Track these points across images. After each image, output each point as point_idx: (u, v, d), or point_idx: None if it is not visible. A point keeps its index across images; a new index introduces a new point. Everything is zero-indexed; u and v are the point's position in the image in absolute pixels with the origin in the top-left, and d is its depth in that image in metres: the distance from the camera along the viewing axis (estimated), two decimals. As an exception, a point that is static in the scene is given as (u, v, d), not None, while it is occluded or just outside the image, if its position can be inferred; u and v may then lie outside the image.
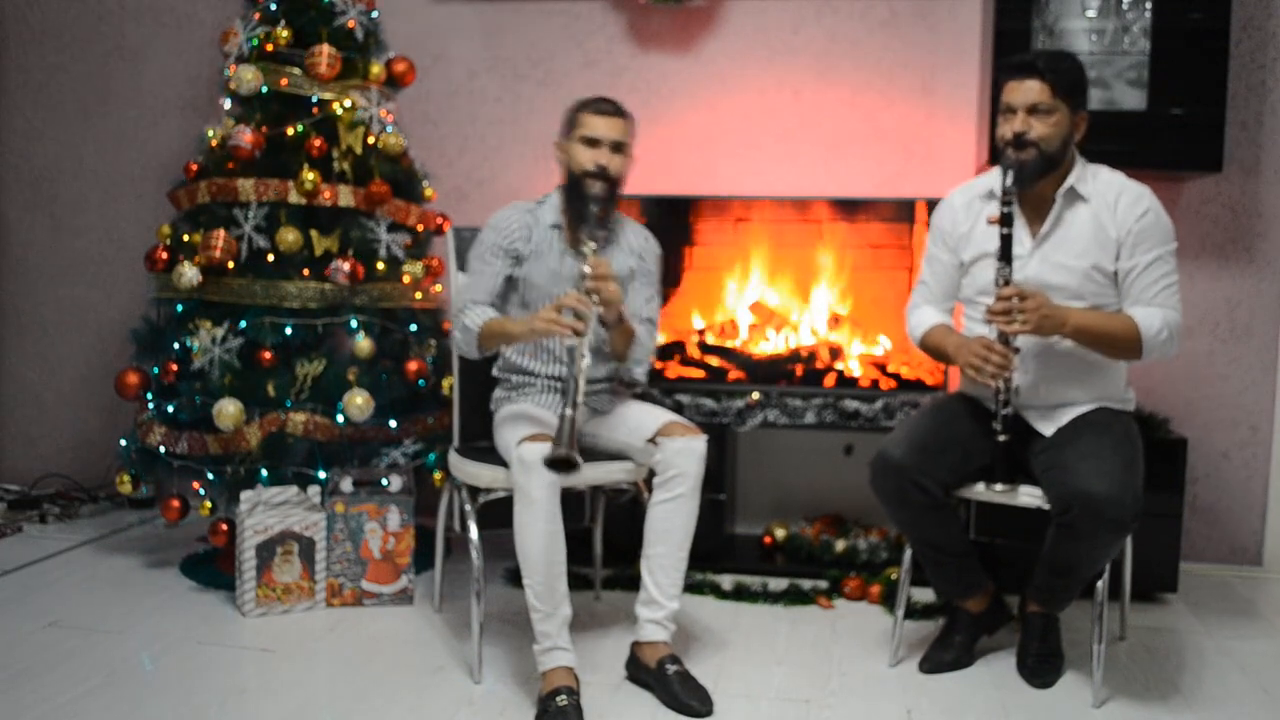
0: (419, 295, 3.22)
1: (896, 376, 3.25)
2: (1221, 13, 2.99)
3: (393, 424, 3.05)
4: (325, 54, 3.01)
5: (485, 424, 2.69)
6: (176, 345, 3.04)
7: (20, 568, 3.15)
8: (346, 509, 2.87)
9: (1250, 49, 3.25)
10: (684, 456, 2.40)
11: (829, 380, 3.25)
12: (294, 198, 3.00)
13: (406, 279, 3.15)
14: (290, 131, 3.03)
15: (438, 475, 3.13)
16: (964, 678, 2.49)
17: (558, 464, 2.19)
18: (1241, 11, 3.20)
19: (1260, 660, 2.63)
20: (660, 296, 2.73)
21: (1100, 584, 2.34)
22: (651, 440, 2.45)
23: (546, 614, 2.28)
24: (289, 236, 2.98)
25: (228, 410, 2.87)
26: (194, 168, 3.15)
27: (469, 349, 2.53)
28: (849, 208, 3.35)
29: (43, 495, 3.82)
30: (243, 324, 2.98)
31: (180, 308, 3.07)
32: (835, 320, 3.38)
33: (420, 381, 3.14)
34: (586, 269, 2.35)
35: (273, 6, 3.07)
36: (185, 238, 3.09)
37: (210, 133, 3.12)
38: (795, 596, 2.98)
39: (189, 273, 2.96)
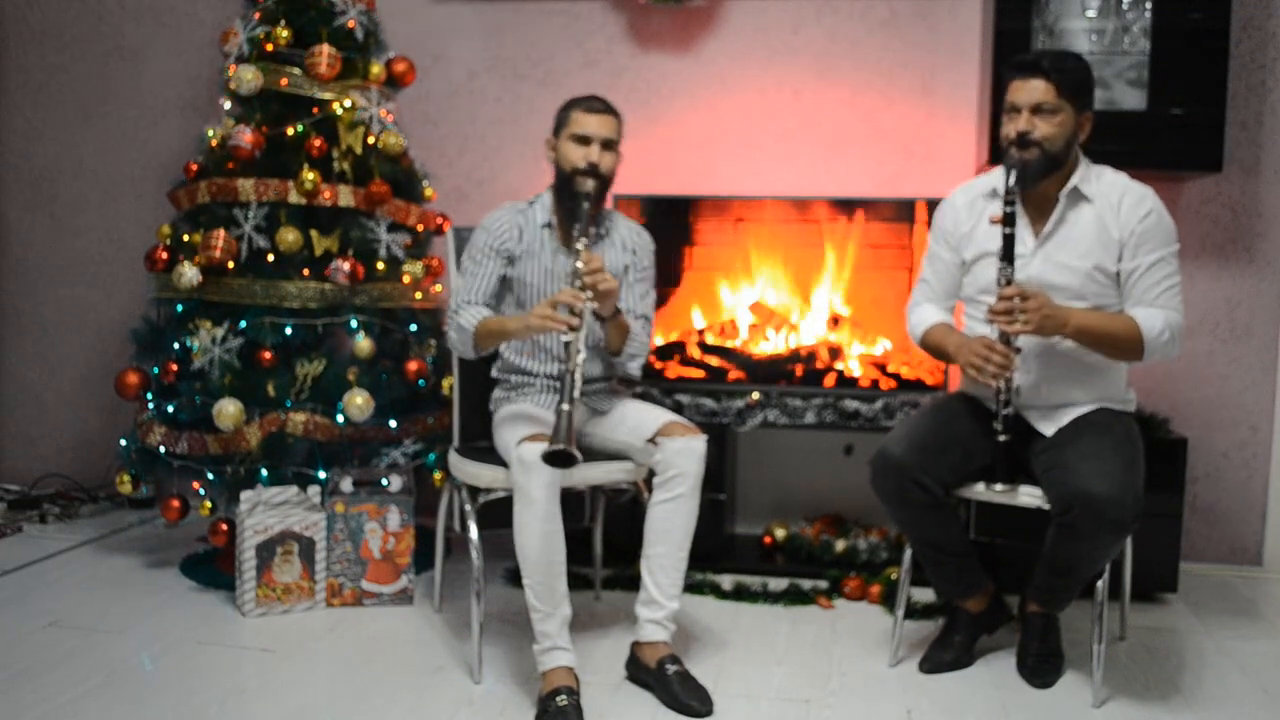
0: (419, 295, 3.22)
1: (896, 376, 3.25)
2: (1221, 13, 2.99)
3: (393, 424, 3.05)
4: (325, 54, 3.01)
5: (485, 424, 2.69)
6: (176, 345, 3.04)
7: (20, 568, 3.15)
8: (346, 509, 2.87)
9: (1250, 49, 3.25)
10: (684, 456, 2.40)
11: (829, 380, 3.25)
12: (294, 198, 3.00)
13: (406, 279, 3.15)
14: (290, 131, 3.03)
15: (438, 475, 3.13)
16: (964, 678, 2.49)
17: (556, 459, 2.19)
18: (1241, 11, 3.20)
19: (1260, 660, 2.63)
20: (655, 292, 2.74)
21: (1100, 584, 2.34)
22: (651, 440, 2.45)
23: (546, 614, 2.28)
24: (289, 236, 2.98)
25: (228, 410, 2.87)
26: (194, 168, 3.15)
27: (465, 349, 2.53)
28: (849, 208, 3.35)
29: (43, 495, 3.82)
30: (243, 324, 2.98)
31: (180, 308, 3.07)
32: (835, 321, 3.38)
33: (420, 381, 3.14)
34: (580, 264, 2.36)
35: (273, 6, 3.07)
36: (185, 238, 3.09)
37: (210, 133, 3.12)
38: (795, 596, 2.98)
39: (189, 273, 2.96)
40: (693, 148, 3.55)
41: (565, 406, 2.21)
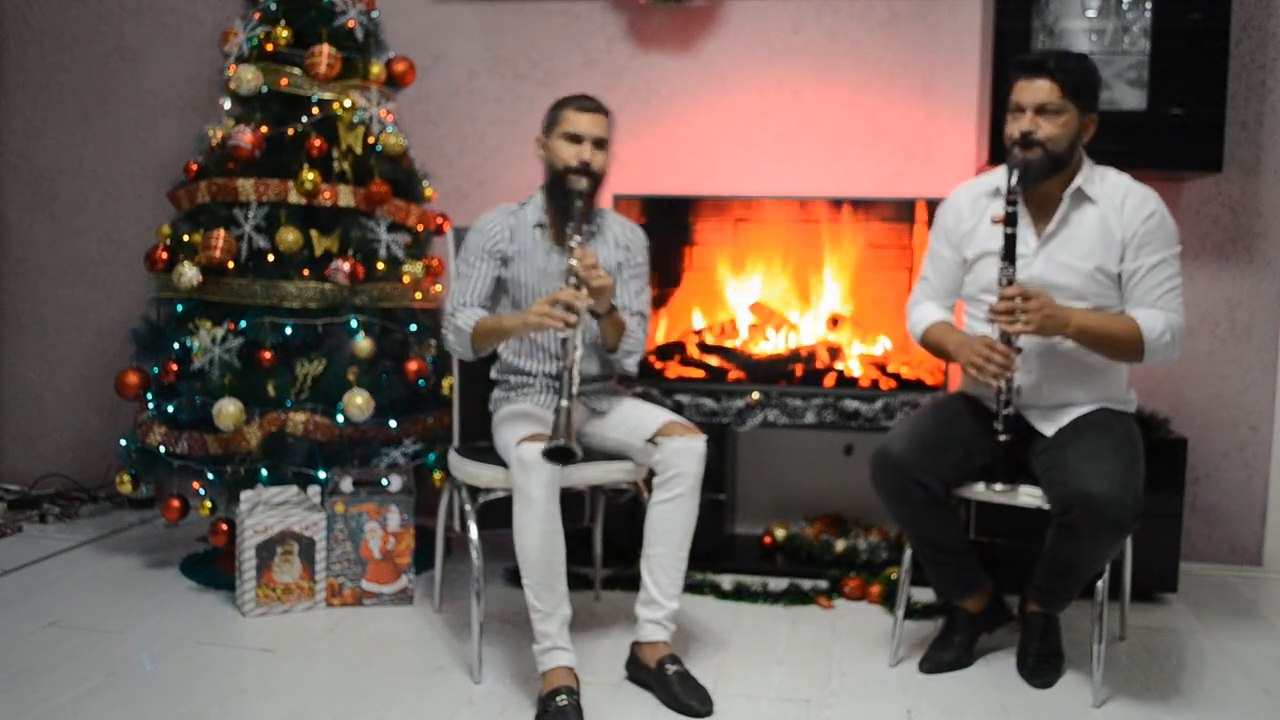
0: (419, 295, 3.22)
1: (896, 376, 3.25)
2: (1221, 13, 2.99)
3: (393, 424, 3.05)
4: (325, 54, 3.01)
5: (485, 424, 2.69)
6: (176, 345, 3.04)
7: (20, 568, 3.15)
8: (346, 509, 2.87)
9: (1250, 49, 3.25)
10: (683, 456, 2.40)
11: (829, 380, 3.25)
12: (294, 198, 3.00)
13: (406, 279, 3.15)
14: (290, 131, 3.03)
15: (438, 475, 3.13)
16: (964, 678, 2.49)
17: (555, 455, 2.19)
18: (1241, 11, 3.20)
19: (1261, 661, 2.63)
20: (650, 289, 2.74)
21: (1100, 584, 2.34)
22: (651, 440, 2.45)
23: (546, 614, 2.28)
24: (289, 236, 2.98)
25: (228, 410, 2.87)
26: (194, 168, 3.15)
27: (463, 350, 2.53)
28: (849, 208, 3.35)
29: (43, 495, 3.82)
30: (243, 324, 2.98)
31: (180, 308, 3.07)
32: (835, 321, 3.38)
33: (420, 381, 3.14)
34: (574, 261, 2.37)
35: (273, 6, 3.07)
36: (185, 238, 3.09)
37: (210, 133, 3.12)
38: (795, 596, 2.98)
39: (189, 273, 2.96)
40: (693, 148, 3.55)
41: (564, 403, 2.22)
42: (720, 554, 3.21)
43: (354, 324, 3.05)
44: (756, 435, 3.36)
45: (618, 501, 2.96)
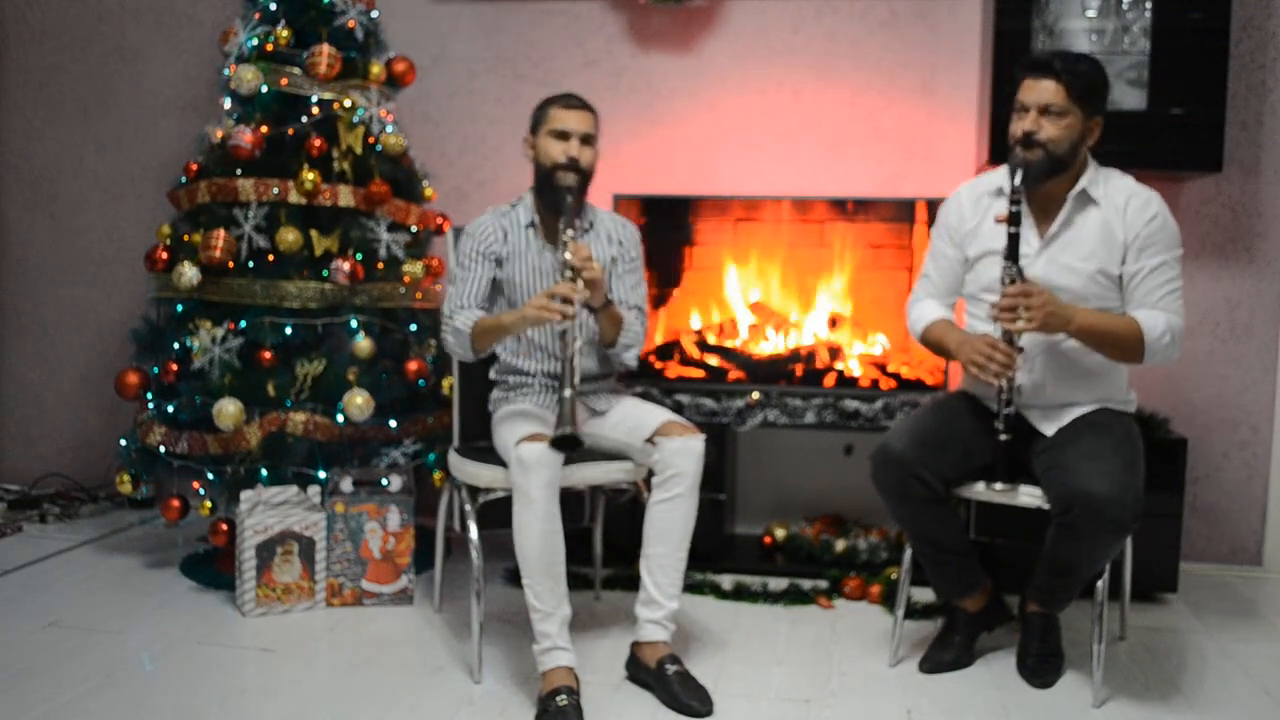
0: (419, 295, 3.22)
1: (896, 376, 3.25)
2: (1221, 13, 2.99)
3: (393, 424, 3.05)
4: (325, 54, 3.01)
5: (485, 424, 2.69)
6: (176, 345, 3.04)
7: (20, 568, 3.15)
8: (346, 509, 2.87)
9: (1250, 49, 3.25)
10: (682, 456, 2.40)
11: (829, 380, 3.25)
12: (294, 198, 3.00)
13: (406, 279, 3.15)
14: (290, 131, 3.03)
15: (438, 475, 3.13)
16: (964, 678, 2.49)
17: (562, 443, 2.21)
18: (1241, 11, 3.20)
19: (1261, 661, 2.63)
20: (645, 283, 2.74)
21: (1100, 584, 2.34)
22: (650, 440, 2.45)
23: (546, 614, 2.29)
24: (289, 236, 2.98)
25: (228, 410, 2.87)
26: (194, 168, 3.15)
27: (463, 351, 2.53)
28: (849, 208, 3.35)
29: (43, 495, 3.82)
30: (243, 324, 2.98)
31: (180, 308, 3.07)
32: (835, 321, 3.38)
33: (420, 381, 3.14)
34: (567, 255, 2.37)
35: (273, 6, 3.08)
36: (185, 238, 3.09)
37: (210, 133, 3.12)
38: (795, 596, 2.98)
39: (189, 273, 2.96)
40: (693, 148, 3.55)
41: (566, 393, 2.24)
42: (720, 554, 3.21)
43: (354, 324, 3.05)
44: (756, 435, 3.36)
45: (617, 501, 2.96)
